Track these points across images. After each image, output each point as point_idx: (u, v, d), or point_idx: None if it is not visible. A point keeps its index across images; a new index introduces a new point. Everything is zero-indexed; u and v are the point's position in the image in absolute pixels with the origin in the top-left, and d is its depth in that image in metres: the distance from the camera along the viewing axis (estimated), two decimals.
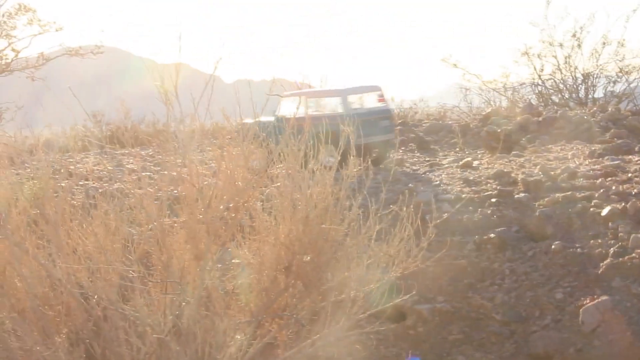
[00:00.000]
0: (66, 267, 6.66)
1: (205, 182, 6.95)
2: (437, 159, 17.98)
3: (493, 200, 12.02)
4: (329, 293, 7.06)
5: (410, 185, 13.66)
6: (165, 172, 7.19)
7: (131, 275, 6.66)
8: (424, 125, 23.89)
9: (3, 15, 27.51)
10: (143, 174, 7.42)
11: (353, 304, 7.02)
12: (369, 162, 8.00)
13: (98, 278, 6.72)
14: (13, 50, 28.26)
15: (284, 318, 6.96)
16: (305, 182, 7.15)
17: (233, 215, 6.91)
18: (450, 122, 23.96)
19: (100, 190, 12.55)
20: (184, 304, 6.58)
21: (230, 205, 6.93)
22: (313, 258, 6.96)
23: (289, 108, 18.30)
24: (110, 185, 13.26)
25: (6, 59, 28.39)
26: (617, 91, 27.89)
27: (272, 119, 17.10)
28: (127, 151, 21.44)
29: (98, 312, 6.68)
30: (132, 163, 17.66)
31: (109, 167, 18.42)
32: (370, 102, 18.95)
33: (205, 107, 7.15)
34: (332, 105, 18.43)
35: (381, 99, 19.17)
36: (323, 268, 7.04)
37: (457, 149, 19.99)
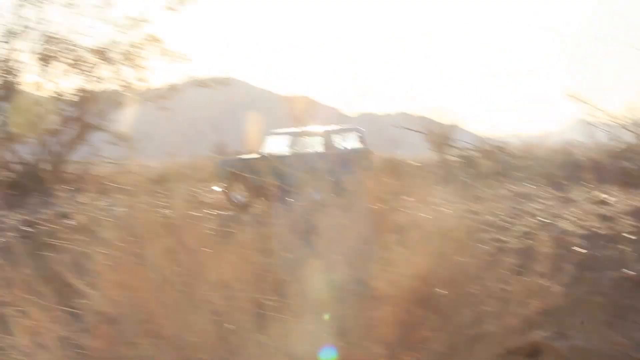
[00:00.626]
0: (203, 294, 6.73)
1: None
2: (569, 194, 17.70)
3: (630, 236, 11.72)
4: (465, 327, 6.96)
5: (544, 220, 13.49)
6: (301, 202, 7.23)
7: (267, 304, 6.69)
8: (551, 160, 23.55)
9: (133, 46, 28.23)
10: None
11: (490, 339, 6.90)
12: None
13: (234, 306, 6.76)
14: (142, 80, 28.98)
15: (419, 351, 6.88)
16: (440, 214, 7.11)
17: (367, 246, 6.90)
18: (579, 158, 23.55)
19: (232, 220, 12.72)
20: (321, 334, 6.56)
21: (365, 236, 6.93)
22: (450, 291, 6.88)
23: (274, 146, 20.11)
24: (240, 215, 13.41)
25: (136, 89, 29.11)
26: None
27: (255, 156, 18.72)
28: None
29: (235, 340, 6.71)
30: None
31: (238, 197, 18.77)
32: (350, 142, 20.56)
33: None
34: (316, 145, 19.76)
35: (361, 139, 20.91)
36: (460, 301, 6.95)
37: (588, 184, 19.64)
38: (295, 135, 20.49)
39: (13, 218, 18.67)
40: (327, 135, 20.00)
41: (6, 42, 27.87)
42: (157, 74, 29.03)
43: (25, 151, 28.60)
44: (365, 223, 7.07)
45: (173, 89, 29.38)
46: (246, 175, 18.84)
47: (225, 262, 7.01)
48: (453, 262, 6.97)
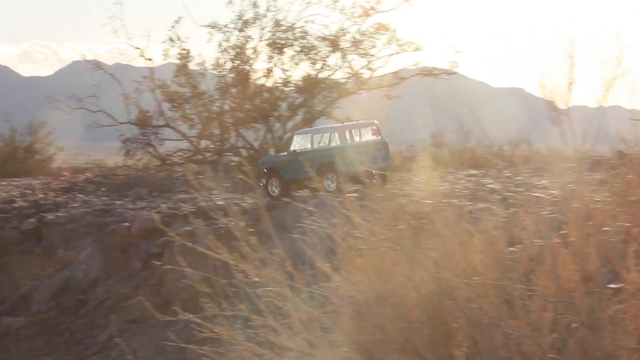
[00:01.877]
0: (451, 280, 6.77)
1: (596, 204, 6.88)
2: None
3: None
4: None
5: None
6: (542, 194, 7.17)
7: (514, 293, 6.66)
8: None
9: (363, 35, 28.52)
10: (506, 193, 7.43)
11: None
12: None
13: (481, 294, 6.76)
14: (369, 69, 29.26)
15: None
16: None
17: (623, 238, 6.77)
18: None
19: (465, 209, 12.69)
20: (574, 325, 6.49)
21: (621, 228, 6.81)
22: None
23: (300, 143, 22.17)
24: (474, 205, 13.38)
25: (362, 77, 29.45)
26: None
27: (285, 153, 22.61)
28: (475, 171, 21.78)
29: (480, 328, 6.71)
30: (492, 183, 17.84)
31: (471, 187, 18.78)
32: (366, 136, 22.35)
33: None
34: (334, 140, 21.79)
35: (375, 132, 22.45)
36: None
37: None
38: (316, 132, 22.63)
39: (246, 201, 19.27)
40: (342, 131, 21.88)
41: (238, 30, 28.74)
42: (384, 62, 29.24)
43: (252, 136, 29.45)
44: (616, 217, 6.94)
45: (398, 77, 29.54)
46: (279, 170, 21.71)
47: (473, 249, 7.04)
48: None
